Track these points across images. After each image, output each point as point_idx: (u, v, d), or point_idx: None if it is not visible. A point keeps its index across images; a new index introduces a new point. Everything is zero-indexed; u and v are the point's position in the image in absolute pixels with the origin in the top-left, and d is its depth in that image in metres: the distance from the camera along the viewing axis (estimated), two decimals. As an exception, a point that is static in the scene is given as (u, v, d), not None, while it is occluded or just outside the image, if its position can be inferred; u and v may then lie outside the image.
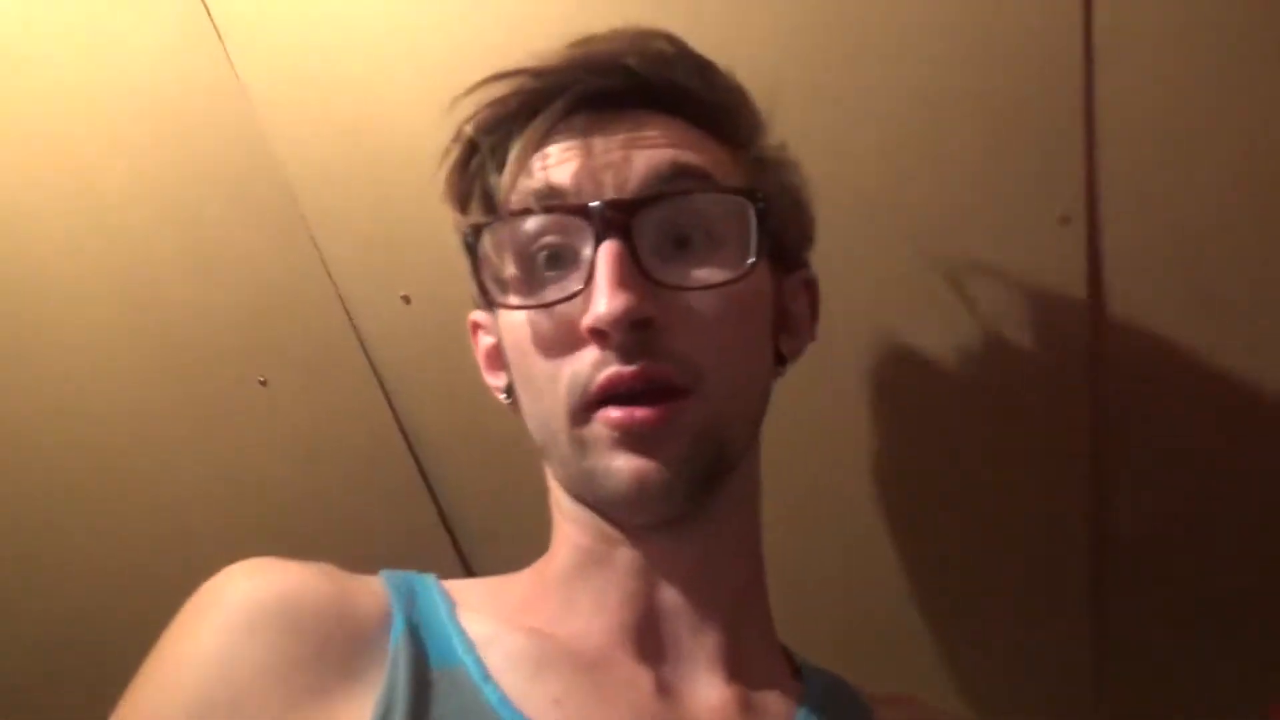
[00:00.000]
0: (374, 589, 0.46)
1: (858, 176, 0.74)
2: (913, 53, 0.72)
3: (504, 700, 0.41)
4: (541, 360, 0.43)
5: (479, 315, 0.51)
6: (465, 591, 0.48)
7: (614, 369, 0.40)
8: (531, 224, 0.42)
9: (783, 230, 0.47)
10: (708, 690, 0.45)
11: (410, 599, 0.45)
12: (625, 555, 0.45)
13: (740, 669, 0.47)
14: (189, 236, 0.85)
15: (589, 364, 0.41)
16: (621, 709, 0.43)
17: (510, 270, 0.44)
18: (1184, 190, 0.72)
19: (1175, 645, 0.83)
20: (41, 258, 0.86)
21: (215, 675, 0.39)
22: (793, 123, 0.55)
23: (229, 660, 0.40)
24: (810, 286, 0.53)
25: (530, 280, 0.44)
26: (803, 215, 0.52)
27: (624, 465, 0.40)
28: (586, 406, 0.41)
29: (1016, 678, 0.88)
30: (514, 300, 0.44)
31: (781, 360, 0.50)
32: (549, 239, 0.43)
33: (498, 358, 0.48)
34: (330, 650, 0.41)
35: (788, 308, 0.50)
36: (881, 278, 0.77)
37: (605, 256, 0.39)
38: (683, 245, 0.43)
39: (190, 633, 0.42)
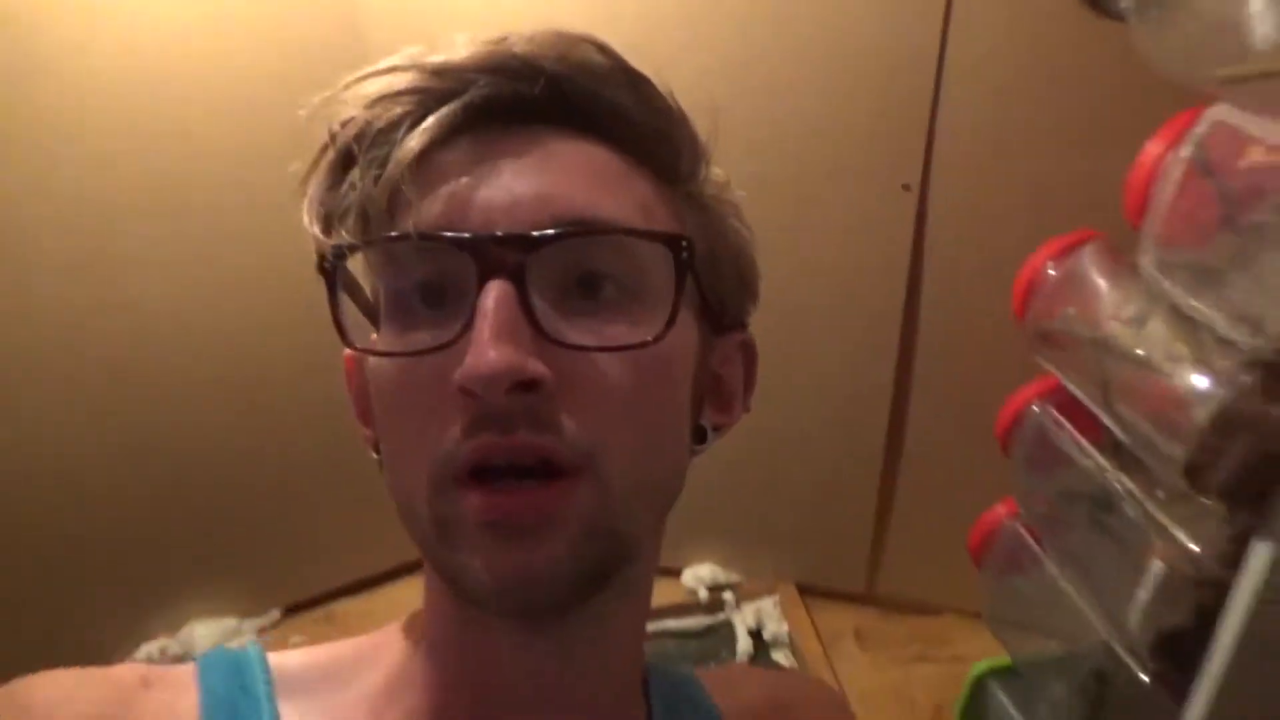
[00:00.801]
0: (180, 708, 0.39)
1: (741, 139, 1.03)
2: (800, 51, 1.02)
3: None
4: (405, 418, 0.36)
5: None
6: (296, 689, 0.41)
7: (485, 438, 0.33)
8: (407, 253, 0.35)
9: (717, 283, 0.41)
10: None
11: (230, 711, 0.40)
12: (492, 657, 0.39)
13: None
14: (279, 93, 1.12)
15: (458, 429, 0.34)
16: None
17: (379, 306, 0.38)
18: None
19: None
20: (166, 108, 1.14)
21: None
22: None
23: None
24: (747, 350, 0.46)
25: (401, 320, 0.36)
26: (743, 267, 0.44)
27: (491, 562, 0.34)
28: (452, 480, 0.34)
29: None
30: (378, 344, 0.38)
31: (702, 436, 0.42)
32: (425, 273, 0.35)
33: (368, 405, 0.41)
34: None
35: (718, 374, 0.43)
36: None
37: (488, 301, 0.33)
38: (591, 293, 0.36)
39: None
